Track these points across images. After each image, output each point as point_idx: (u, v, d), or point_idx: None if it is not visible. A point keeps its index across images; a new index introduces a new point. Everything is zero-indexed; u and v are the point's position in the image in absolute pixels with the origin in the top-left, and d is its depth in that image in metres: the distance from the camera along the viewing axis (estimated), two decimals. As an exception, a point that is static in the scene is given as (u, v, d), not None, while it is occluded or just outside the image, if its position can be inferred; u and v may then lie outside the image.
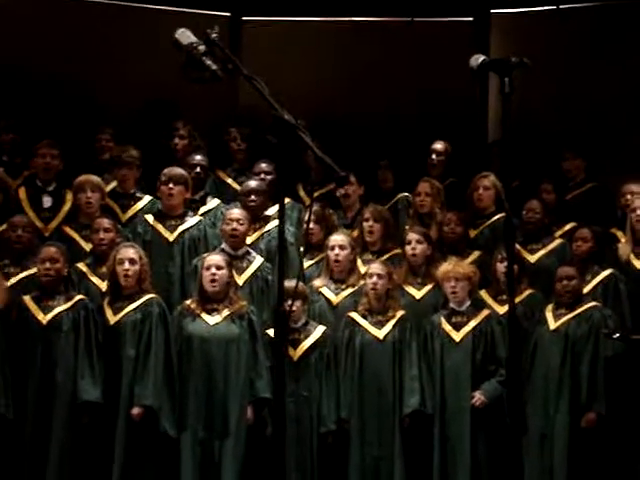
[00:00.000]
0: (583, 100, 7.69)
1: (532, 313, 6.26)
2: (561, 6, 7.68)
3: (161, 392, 5.79)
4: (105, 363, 5.83)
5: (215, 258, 6.01)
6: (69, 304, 5.89)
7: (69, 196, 6.61)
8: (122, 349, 5.86)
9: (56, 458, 5.71)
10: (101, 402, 5.77)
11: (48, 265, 5.87)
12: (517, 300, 6.04)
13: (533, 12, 7.86)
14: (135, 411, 5.77)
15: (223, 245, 6.35)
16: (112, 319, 5.92)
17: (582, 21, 7.70)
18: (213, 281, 5.94)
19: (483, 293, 6.35)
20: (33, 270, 6.02)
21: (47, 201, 6.68)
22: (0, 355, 5.73)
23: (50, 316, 5.85)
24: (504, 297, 6.06)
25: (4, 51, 7.43)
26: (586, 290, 6.28)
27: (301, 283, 5.61)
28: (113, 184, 6.84)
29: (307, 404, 5.97)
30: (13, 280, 6.09)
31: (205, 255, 6.16)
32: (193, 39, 3.27)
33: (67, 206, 6.63)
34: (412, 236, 6.42)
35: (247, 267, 6.34)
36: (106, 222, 6.22)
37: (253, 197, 6.59)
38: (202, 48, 3.24)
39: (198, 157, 6.93)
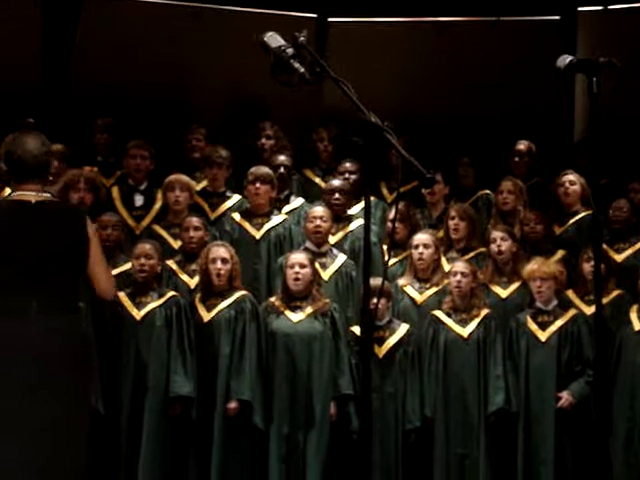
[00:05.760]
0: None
1: (619, 314, 6.19)
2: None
3: (255, 386, 5.88)
4: (199, 359, 5.88)
5: (299, 257, 6.07)
6: (162, 300, 5.94)
7: (160, 195, 6.69)
8: (217, 346, 5.92)
9: (148, 451, 5.79)
10: (194, 396, 5.84)
11: (143, 261, 5.92)
12: (604, 301, 5.98)
13: (621, 9, 7.74)
14: (231, 405, 5.86)
15: (307, 243, 6.42)
16: (206, 316, 5.99)
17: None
18: (297, 279, 6.00)
19: (570, 293, 6.29)
20: (126, 267, 6.08)
21: (139, 200, 6.78)
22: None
23: (144, 312, 5.91)
24: (591, 297, 6.01)
25: (98, 55, 7.62)
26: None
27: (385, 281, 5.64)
28: (204, 183, 6.94)
29: (392, 401, 6.00)
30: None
31: (289, 253, 6.22)
32: (281, 42, 3.30)
33: (158, 205, 6.73)
34: (496, 234, 6.38)
35: (331, 263, 6.39)
36: (195, 221, 6.29)
37: (337, 196, 6.63)
38: (290, 51, 3.27)
39: (282, 157, 6.99)
